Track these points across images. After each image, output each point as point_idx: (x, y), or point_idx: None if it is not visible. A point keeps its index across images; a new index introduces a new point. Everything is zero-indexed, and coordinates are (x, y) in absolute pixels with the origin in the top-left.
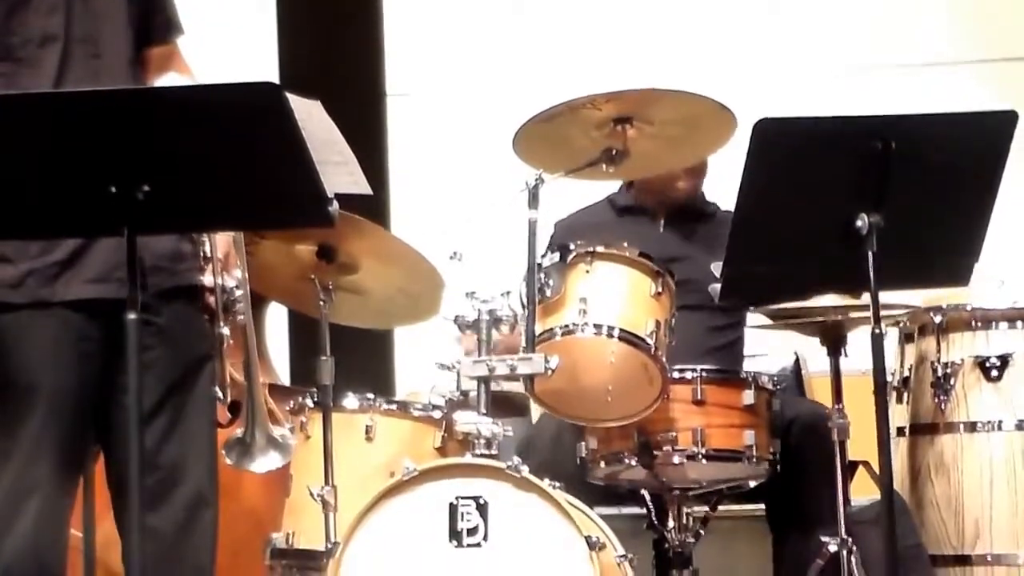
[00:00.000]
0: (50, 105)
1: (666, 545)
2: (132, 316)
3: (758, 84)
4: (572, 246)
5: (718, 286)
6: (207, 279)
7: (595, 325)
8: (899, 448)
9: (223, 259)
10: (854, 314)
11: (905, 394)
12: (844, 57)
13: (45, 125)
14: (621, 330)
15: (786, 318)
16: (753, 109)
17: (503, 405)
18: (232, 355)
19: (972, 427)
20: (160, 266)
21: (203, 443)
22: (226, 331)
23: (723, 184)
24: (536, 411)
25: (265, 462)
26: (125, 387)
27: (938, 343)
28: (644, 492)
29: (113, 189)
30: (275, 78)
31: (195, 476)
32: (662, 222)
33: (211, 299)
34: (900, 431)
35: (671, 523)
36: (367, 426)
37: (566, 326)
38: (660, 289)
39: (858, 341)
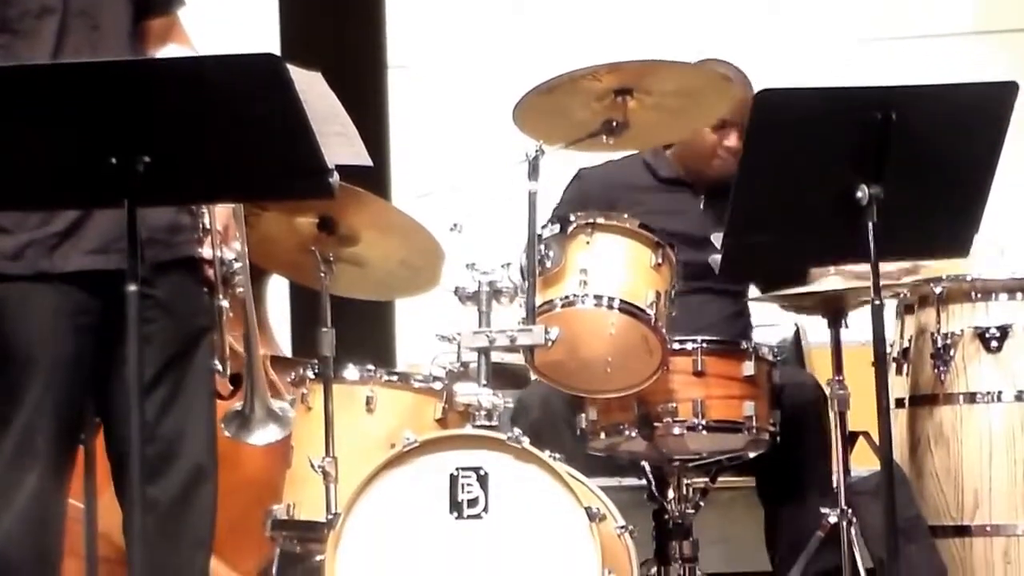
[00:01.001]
0: (50, 76)
1: (666, 516)
2: (132, 288)
3: (772, 57)
4: (572, 217)
5: (719, 257)
6: (206, 251)
7: (595, 296)
8: (899, 419)
9: (222, 231)
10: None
11: (905, 365)
12: (857, 28)
13: (45, 96)
14: (621, 301)
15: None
16: (768, 82)
17: (503, 376)
18: (233, 327)
19: (971, 398)
20: (157, 238)
21: (202, 416)
22: (225, 304)
23: None
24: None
25: (264, 435)
26: (124, 359)
27: (938, 314)
28: (644, 463)
29: (113, 161)
30: (276, 49)
31: (194, 449)
32: (703, 199)
33: (210, 271)
34: (899, 402)
35: (671, 494)
36: (368, 397)
37: (566, 297)
38: (660, 260)
39: (858, 312)
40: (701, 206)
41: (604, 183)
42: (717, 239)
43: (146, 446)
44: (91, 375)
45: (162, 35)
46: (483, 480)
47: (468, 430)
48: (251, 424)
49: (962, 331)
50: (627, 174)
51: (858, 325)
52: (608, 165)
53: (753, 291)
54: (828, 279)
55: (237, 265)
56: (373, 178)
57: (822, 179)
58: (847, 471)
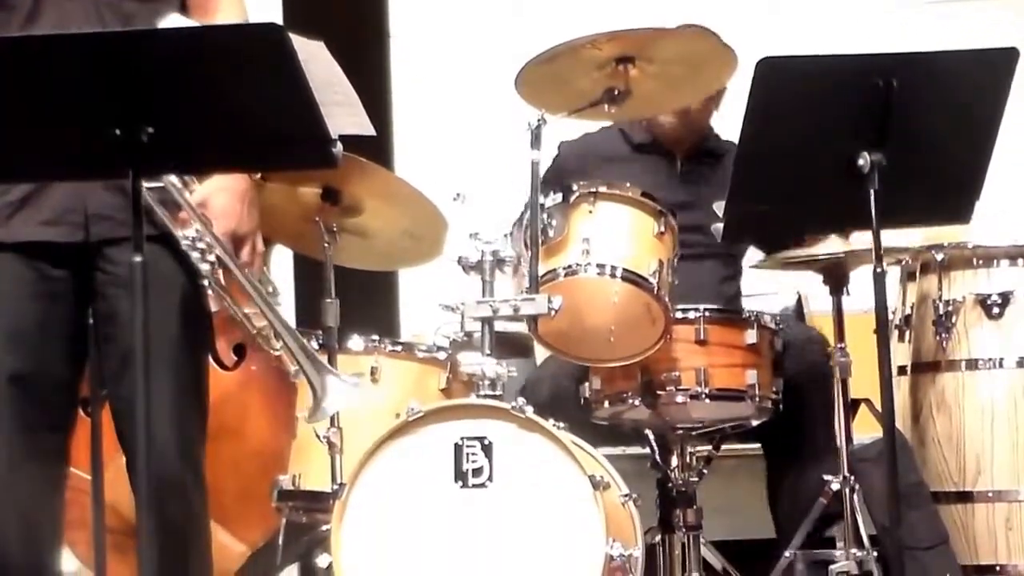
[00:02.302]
0: (52, 47)
1: (670, 484)
2: (138, 259)
3: (783, 24)
4: (575, 186)
5: (721, 225)
6: (178, 231)
7: (598, 265)
8: (901, 386)
9: (191, 211)
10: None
11: (907, 332)
12: None
13: (49, 68)
14: (624, 270)
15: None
16: (781, 50)
17: (507, 346)
18: (241, 301)
19: (973, 365)
20: (104, 215)
21: (168, 398)
22: (204, 282)
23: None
24: (540, 353)
25: (337, 401)
26: (106, 336)
27: (939, 281)
28: (648, 432)
29: (117, 132)
30: (279, 19)
31: (159, 434)
32: (679, 163)
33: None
34: (902, 369)
35: (675, 462)
36: (372, 367)
37: (569, 266)
38: (663, 229)
39: (860, 279)
40: (678, 170)
41: (578, 154)
42: (719, 207)
43: (129, 426)
44: (75, 347)
45: (204, 3)
46: (487, 449)
47: (472, 400)
48: (323, 402)
49: (964, 298)
50: (603, 144)
51: (860, 292)
52: (585, 137)
53: (753, 258)
54: (829, 243)
55: (199, 245)
56: (376, 148)
57: (824, 146)
58: (849, 438)
